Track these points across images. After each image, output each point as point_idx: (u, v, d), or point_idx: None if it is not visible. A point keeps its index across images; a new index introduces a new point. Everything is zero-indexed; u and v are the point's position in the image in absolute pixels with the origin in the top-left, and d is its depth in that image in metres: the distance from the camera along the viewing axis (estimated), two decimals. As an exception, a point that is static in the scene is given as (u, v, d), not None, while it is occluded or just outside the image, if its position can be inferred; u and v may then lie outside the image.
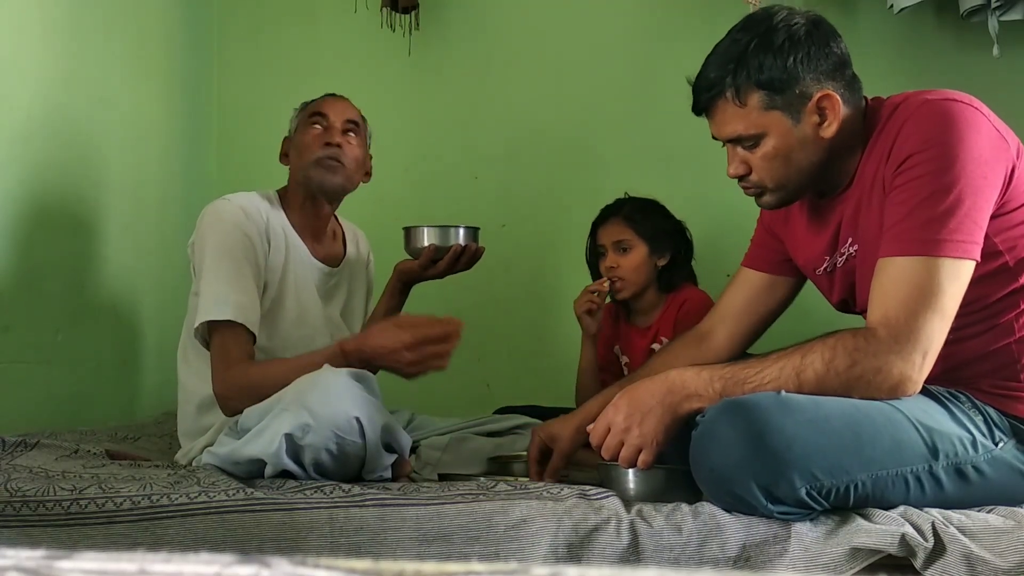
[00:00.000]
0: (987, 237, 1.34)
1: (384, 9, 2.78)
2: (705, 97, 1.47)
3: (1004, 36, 2.32)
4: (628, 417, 1.38)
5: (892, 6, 2.39)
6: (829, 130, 1.43)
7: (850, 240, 1.49)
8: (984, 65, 2.40)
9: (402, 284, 2.06)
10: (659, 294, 2.28)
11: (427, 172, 2.85)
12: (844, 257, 1.50)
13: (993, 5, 2.29)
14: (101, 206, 2.37)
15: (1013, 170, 1.36)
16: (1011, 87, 2.49)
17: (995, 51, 2.31)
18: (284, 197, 1.98)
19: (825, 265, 1.55)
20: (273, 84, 2.95)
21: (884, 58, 2.60)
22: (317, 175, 1.90)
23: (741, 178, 1.49)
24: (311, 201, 1.95)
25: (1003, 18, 2.31)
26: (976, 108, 1.38)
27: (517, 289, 2.79)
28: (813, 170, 1.46)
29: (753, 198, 1.53)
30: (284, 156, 2.01)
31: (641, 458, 1.37)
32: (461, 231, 1.96)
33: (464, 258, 1.96)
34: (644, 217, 2.24)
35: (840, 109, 1.43)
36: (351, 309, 2.08)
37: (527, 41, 2.86)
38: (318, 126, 1.93)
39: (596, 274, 2.31)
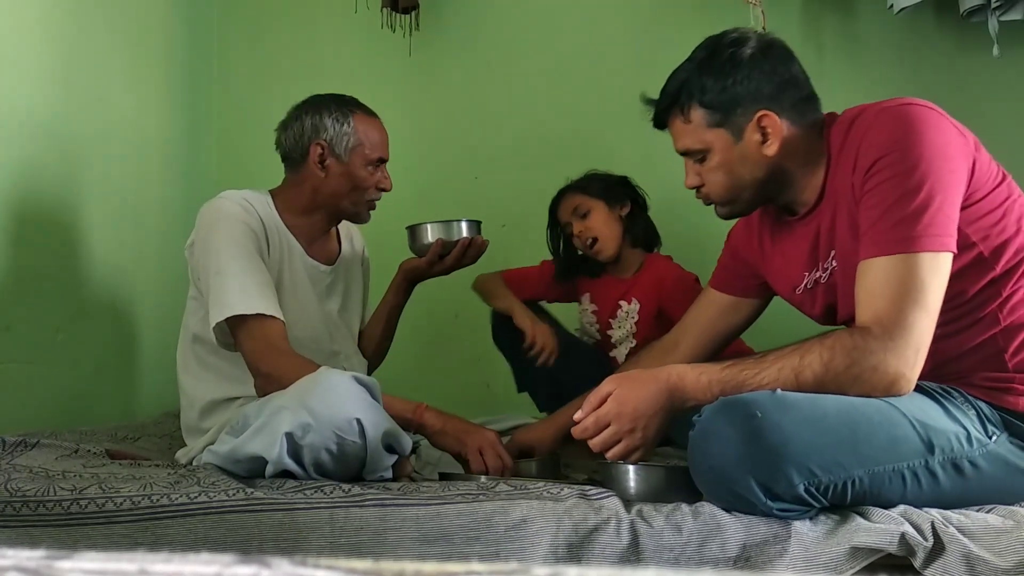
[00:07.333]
0: (959, 229, 1.37)
1: (384, 10, 2.78)
2: (659, 114, 1.60)
3: (1004, 36, 2.32)
4: (634, 420, 1.41)
5: (892, 6, 2.39)
6: (771, 148, 1.50)
7: (832, 254, 1.52)
8: (984, 65, 2.40)
9: (407, 283, 2.09)
10: (634, 250, 2.37)
11: (427, 172, 2.85)
12: (827, 272, 1.54)
13: (993, 5, 2.29)
14: (101, 206, 2.37)
15: (975, 162, 1.41)
16: (1011, 87, 2.49)
17: (995, 51, 2.31)
18: (279, 196, 1.96)
19: (805, 282, 1.59)
20: (273, 84, 2.95)
21: (884, 58, 2.60)
22: (363, 213, 1.99)
23: (697, 190, 1.60)
24: (323, 214, 1.97)
25: (1003, 18, 2.31)
26: (932, 109, 1.42)
27: (517, 289, 2.78)
28: (759, 185, 1.54)
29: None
30: (321, 164, 1.92)
31: (635, 456, 1.44)
32: (465, 224, 2.01)
33: (471, 251, 2.00)
34: (588, 181, 2.36)
35: (781, 129, 1.49)
36: (349, 307, 2.08)
37: (527, 41, 2.86)
38: (376, 167, 1.96)
39: (566, 263, 2.39)
